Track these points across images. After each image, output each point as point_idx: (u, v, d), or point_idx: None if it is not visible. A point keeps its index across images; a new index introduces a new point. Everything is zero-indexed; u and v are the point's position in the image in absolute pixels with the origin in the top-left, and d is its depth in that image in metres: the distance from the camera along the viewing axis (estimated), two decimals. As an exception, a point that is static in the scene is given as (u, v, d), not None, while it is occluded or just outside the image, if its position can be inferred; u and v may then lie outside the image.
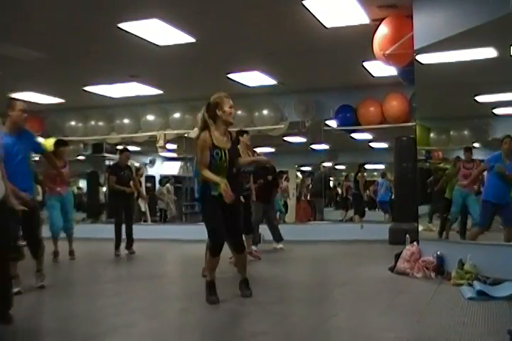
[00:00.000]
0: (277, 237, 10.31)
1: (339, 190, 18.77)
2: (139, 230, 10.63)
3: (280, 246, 10.24)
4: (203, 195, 5.30)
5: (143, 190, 14.92)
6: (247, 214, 8.42)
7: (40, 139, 12.47)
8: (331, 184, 19.71)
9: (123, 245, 9.93)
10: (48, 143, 11.61)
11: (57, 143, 9.15)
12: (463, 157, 8.47)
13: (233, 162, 5.38)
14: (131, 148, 15.98)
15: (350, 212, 16.42)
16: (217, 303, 5.08)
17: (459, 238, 8.05)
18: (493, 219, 7.40)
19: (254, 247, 9.65)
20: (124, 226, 9.97)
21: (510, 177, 7.19)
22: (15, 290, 5.71)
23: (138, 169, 16.36)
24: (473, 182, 8.19)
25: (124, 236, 9.97)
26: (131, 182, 10.24)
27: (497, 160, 7.39)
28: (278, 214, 14.88)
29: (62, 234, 9.17)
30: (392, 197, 14.45)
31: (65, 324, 4.57)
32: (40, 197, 9.44)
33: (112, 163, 11.25)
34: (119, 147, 12.71)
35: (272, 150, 16.79)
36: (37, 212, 6.20)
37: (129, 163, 10.41)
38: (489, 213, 7.36)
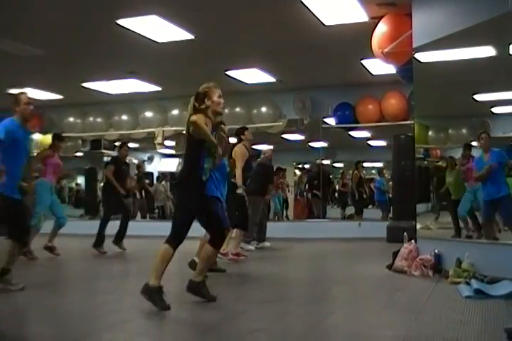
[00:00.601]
0: (263, 236, 10.28)
1: (336, 188, 18.75)
2: (137, 227, 10.62)
3: (268, 244, 10.20)
4: (190, 180, 5.03)
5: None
6: (245, 210, 8.41)
7: (39, 135, 12.49)
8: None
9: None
10: (46, 139, 11.62)
11: (54, 137, 9.17)
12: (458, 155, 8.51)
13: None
14: (129, 144, 16.03)
15: (348, 210, 16.44)
16: (168, 310, 4.82)
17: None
18: (494, 215, 7.38)
19: (250, 246, 9.65)
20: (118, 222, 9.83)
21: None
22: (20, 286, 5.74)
23: (138, 166, 16.37)
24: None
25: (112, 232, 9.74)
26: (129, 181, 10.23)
27: (478, 162, 7.47)
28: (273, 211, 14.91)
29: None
30: (389, 195, 14.49)
31: (61, 321, 4.57)
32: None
33: (113, 155, 11.09)
34: (117, 143, 12.68)
35: (270, 147, 16.75)
36: (23, 203, 6.19)
37: (127, 160, 10.36)
38: (488, 211, 7.38)
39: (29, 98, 5.93)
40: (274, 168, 12.73)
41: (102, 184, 14.90)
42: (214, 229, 5.19)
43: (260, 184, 9.45)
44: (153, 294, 4.80)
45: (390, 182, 14.72)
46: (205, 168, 5.04)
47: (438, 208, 9.02)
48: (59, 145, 9.06)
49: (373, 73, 11.01)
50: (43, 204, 8.66)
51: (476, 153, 8.27)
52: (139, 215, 16.03)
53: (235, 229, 8.24)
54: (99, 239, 9.50)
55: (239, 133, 8.42)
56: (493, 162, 7.19)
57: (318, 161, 14.62)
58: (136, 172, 16.28)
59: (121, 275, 7.59)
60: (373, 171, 19.78)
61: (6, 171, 5.58)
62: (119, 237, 9.72)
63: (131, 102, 13.52)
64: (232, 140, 8.57)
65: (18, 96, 5.88)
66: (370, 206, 16.88)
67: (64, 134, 12.91)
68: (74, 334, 4.09)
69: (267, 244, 10.13)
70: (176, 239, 4.98)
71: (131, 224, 9.83)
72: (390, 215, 12.67)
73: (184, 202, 5.10)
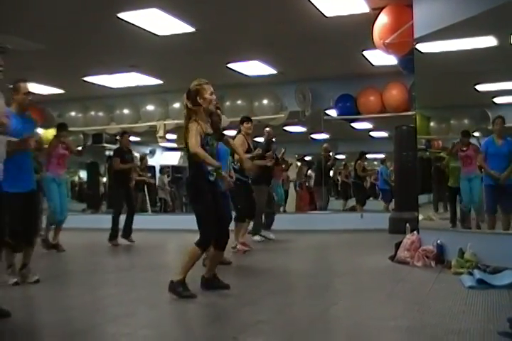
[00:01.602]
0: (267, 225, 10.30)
1: (339, 179, 18.75)
2: (140, 220, 10.64)
3: (272, 236, 10.20)
4: (198, 181, 5.13)
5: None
6: (251, 199, 8.42)
7: (41, 130, 12.47)
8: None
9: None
10: (48, 133, 11.60)
11: (58, 127, 9.16)
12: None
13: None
14: (130, 138, 15.99)
15: (350, 201, 16.45)
16: (194, 298, 4.98)
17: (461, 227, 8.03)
18: (497, 203, 7.38)
19: (257, 237, 9.65)
20: (125, 216, 9.94)
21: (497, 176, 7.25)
22: (13, 280, 5.75)
23: (142, 158, 16.38)
24: (471, 163, 8.12)
25: (122, 225, 9.93)
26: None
27: (489, 145, 7.43)
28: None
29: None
30: (392, 184, 14.50)
31: (65, 314, 4.58)
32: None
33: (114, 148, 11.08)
34: (118, 137, 12.68)
35: (267, 129, 16.71)
36: (37, 199, 6.17)
37: (129, 147, 10.36)
38: (492, 197, 7.38)
39: (28, 88, 5.89)
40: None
41: (105, 179, 14.97)
42: (217, 232, 5.20)
43: (261, 172, 9.27)
44: (176, 286, 4.98)
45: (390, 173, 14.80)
46: (211, 169, 5.13)
47: (437, 200, 8.98)
48: (62, 134, 8.98)
49: (375, 64, 11.01)
50: (52, 197, 8.68)
51: (473, 139, 8.28)
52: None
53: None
54: (113, 232, 9.80)
55: (239, 122, 8.41)
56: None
57: (325, 145, 14.46)
58: (140, 164, 16.28)
59: (124, 268, 7.60)
60: (375, 162, 19.78)
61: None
62: (127, 232, 9.95)
63: (133, 96, 13.53)
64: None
65: (18, 85, 5.81)
66: (372, 198, 16.88)
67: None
68: (78, 327, 4.11)
69: (271, 235, 10.21)
70: (204, 243, 5.06)
71: (138, 217, 9.99)
72: (392, 206, 12.68)
73: (200, 208, 5.14)
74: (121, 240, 9.87)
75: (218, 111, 6.73)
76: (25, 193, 5.72)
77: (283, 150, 11.69)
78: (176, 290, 4.97)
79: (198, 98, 5.09)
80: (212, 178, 5.14)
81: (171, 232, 12.04)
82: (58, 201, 8.72)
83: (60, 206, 8.82)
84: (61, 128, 9.09)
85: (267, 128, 10.26)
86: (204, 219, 5.09)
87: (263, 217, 10.08)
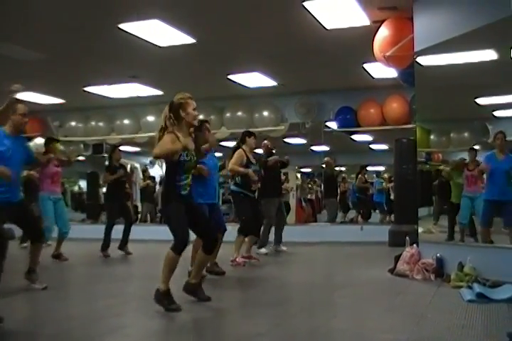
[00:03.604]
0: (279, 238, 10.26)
1: (338, 191, 18.78)
2: (138, 231, 10.61)
3: (284, 248, 10.19)
4: (170, 195, 5.12)
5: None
6: (258, 216, 8.37)
7: (41, 140, 12.43)
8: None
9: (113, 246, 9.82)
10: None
11: (48, 140, 9.07)
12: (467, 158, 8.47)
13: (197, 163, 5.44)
14: (131, 148, 16.04)
15: (350, 213, 16.45)
16: (180, 311, 4.90)
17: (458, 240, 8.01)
18: (493, 217, 7.37)
19: (263, 250, 9.61)
20: (122, 228, 9.87)
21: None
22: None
23: (144, 170, 16.47)
24: (476, 183, 8.12)
25: (119, 236, 9.84)
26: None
27: (490, 159, 7.45)
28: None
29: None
30: (391, 197, 14.53)
31: (64, 325, 4.56)
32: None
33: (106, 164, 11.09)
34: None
35: (265, 142, 16.71)
36: (28, 207, 6.18)
37: (121, 162, 10.38)
38: (488, 212, 7.36)
39: (26, 109, 5.84)
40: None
41: (104, 189, 14.96)
42: (203, 235, 5.30)
43: (267, 184, 9.25)
44: (161, 298, 4.92)
45: (390, 184, 14.80)
46: (184, 184, 5.11)
47: (438, 212, 8.96)
48: (52, 147, 8.84)
49: (375, 77, 11.01)
50: (47, 216, 8.63)
51: (479, 153, 8.28)
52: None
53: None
54: (105, 243, 9.67)
55: (242, 136, 8.36)
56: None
57: (326, 159, 14.48)
58: (142, 177, 16.37)
59: (124, 278, 7.56)
60: (375, 175, 19.81)
61: None
62: (123, 243, 9.88)
63: (133, 106, 13.54)
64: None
65: (16, 105, 5.75)
66: (371, 210, 16.90)
67: (66, 138, 13.06)
68: (78, 338, 4.10)
69: (283, 247, 10.19)
70: (179, 245, 5.09)
71: (134, 228, 9.94)
72: (390, 218, 12.66)
73: (171, 213, 5.16)
74: (115, 251, 9.73)
75: (207, 124, 6.72)
76: (14, 202, 5.74)
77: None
78: (161, 302, 4.93)
79: (180, 111, 5.06)
80: (184, 192, 5.11)
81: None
82: (53, 219, 8.65)
83: (62, 222, 8.80)
84: (49, 142, 9.00)
85: (265, 141, 10.27)
86: (173, 222, 5.11)
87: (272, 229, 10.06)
